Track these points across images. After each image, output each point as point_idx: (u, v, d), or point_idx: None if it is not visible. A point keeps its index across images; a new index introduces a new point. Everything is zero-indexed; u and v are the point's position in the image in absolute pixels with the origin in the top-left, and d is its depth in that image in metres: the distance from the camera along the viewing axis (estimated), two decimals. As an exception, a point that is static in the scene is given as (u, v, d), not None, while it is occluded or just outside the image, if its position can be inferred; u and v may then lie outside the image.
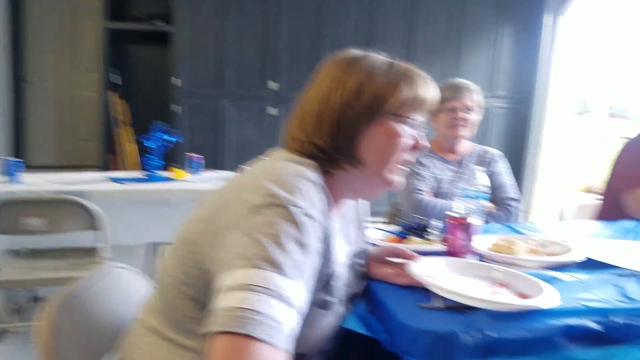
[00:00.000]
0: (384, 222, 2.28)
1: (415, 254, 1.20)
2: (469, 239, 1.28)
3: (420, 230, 1.57)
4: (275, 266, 0.71)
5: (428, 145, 1.03)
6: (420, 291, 1.07)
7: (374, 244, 1.37)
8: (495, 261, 1.37)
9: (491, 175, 2.16)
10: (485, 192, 1.69)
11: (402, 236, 1.58)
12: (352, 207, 1.20)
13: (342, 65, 0.99)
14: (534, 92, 5.53)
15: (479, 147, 2.26)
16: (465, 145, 2.23)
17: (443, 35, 5.23)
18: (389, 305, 1.04)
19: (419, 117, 1.01)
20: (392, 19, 5.07)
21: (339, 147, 0.96)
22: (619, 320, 0.91)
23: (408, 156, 1.01)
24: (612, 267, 1.28)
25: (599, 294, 1.08)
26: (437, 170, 2.15)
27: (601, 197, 2.30)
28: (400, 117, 0.97)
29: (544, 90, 5.48)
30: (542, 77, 5.47)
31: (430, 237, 1.54)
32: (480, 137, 5.41)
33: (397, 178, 1.02)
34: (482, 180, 1.70)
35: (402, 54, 1.03)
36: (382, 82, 0.96)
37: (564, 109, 5.61)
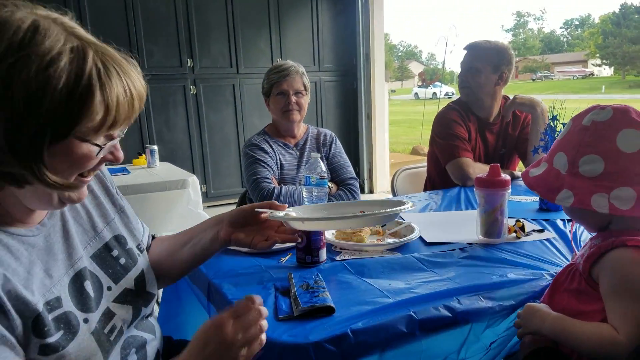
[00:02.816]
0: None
1: (280, 204, 1.15)
2: (320, 233, 1.27)
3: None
4: None
5: (122, 156, 0.84)
6: (279, 301, 1.02)
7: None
8: (344, 249, 1.39)
9: (330, 157, 2.20)
10: (325, 178, 1.70)
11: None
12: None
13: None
14: (357, 63, 5.81)
15: (313, 129, 2.28)
16: (300, 128, 2.23)
17: (262, 12, 5.22)
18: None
19: (117, 132, 0.80)
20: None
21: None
22: (465, 302, 0.97)
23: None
24: (447, 242, 1.38)
25: (442, 273, 1.15)
26: (280, 156, 2.12)
27: (426, 165, 2.50)
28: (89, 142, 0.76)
29: (365, 61, 5.79)
30: (364, 48, 5.77)
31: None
32: (314, 112, 5.59)
33: (77, 194, 0.83)
34: (322, 165, 1.71)
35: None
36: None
37: (386, 77, 6.00)
